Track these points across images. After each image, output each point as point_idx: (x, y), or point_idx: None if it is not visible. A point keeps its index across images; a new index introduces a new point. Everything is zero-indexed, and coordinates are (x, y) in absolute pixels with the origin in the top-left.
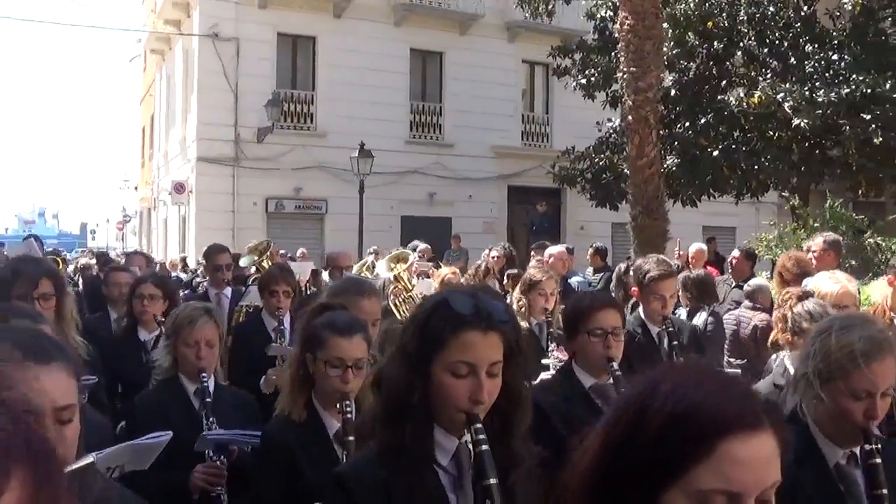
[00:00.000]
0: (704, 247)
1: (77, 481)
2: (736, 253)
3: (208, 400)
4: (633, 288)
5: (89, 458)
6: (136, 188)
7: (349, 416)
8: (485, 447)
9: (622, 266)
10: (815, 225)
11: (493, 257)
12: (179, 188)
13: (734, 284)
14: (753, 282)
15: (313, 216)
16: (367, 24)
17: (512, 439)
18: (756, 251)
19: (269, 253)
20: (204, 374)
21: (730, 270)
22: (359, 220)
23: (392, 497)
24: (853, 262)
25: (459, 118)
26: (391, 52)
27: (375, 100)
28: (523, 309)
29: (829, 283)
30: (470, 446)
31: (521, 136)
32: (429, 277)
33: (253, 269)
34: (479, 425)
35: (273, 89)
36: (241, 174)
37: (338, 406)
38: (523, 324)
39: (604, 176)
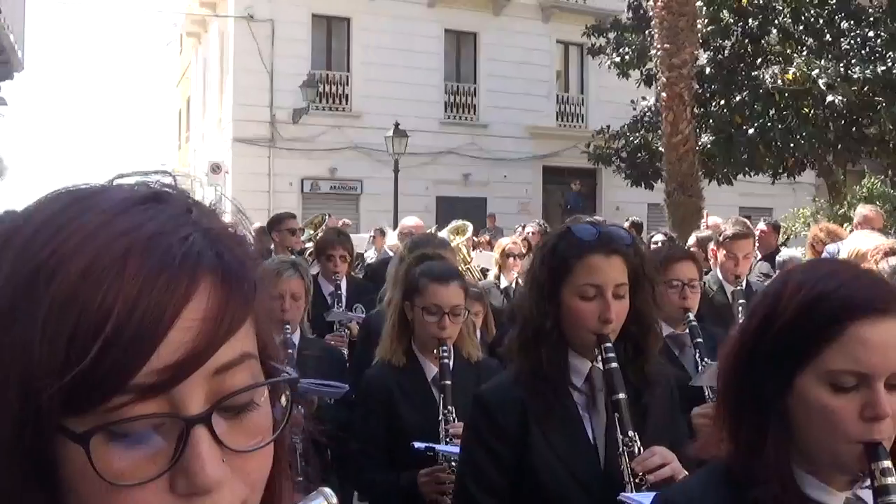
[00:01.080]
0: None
1: None
2: (762, 225)
3: (291, 352)
4: (712, 248)
5: None
6: (172, 170)
7: (446, 361)
8: (614, 364)
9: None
10: (853, 200)
11: (529, 233)
12: (216, 169)
13: (760, 257)
14: (785, 252)
15: (348, 196)
16: (401, 4)
17: (645, 362)
18: (791, 227)
19: (325, 226)
20: (287, 327)
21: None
22: (394, 200)
23: (529, 416)
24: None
25: (494, 99)
26: (425, 33)
27: (410, 80)
28: None
29: (870, 238)
30: (600, 365)
31: (555, 116)
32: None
33: (310, 243)
34: (608, 344)
35: (308, 70)
36: (277, 155)
37: (435, 351)
38: None
39: (639, 155)
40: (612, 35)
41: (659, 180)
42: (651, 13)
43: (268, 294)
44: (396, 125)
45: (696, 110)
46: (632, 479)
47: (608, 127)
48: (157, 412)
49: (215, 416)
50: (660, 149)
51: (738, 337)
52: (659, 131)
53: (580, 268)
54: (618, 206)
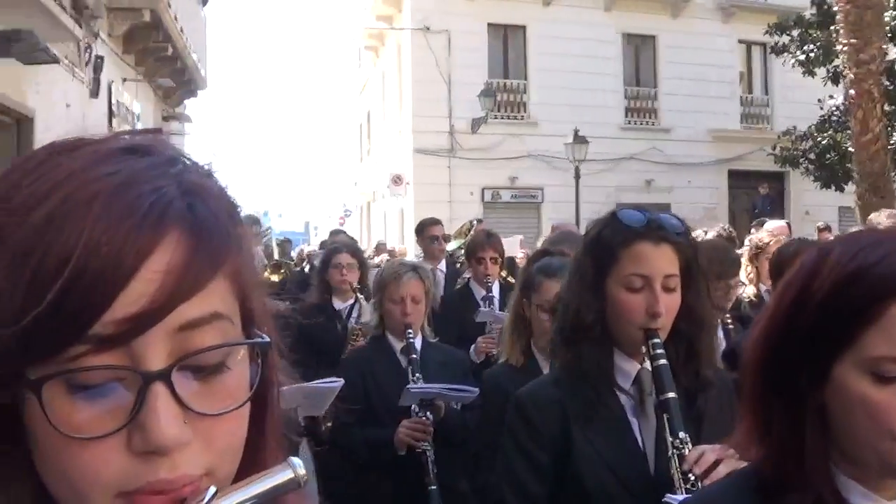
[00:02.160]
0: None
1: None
2: None
3: (414, 356)
4: None
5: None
6: (355, 183)
7: None
8: (662, 361)
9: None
10: None
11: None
12: (397, 180)
13: None
14: None
15: (529, 205)
16: (577, 10)
17: (699, 364)
18: None
19: (474, 231)
20: (410, 331)
21: None
22: (575, 208)
23: (570, 418)
24: None
25: (675, 102)
26: (602, 38)
27: (588, 86)
28: (751, 275)
29: None
30: (648, 365)
31: (739, 119)
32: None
33: (462, 252)
34: (656, 340)
35: (485, 79)
36: (457, 165)
37: None
38: (751, 289)
39: (828, 156)
40: (795, 32)
41: (850, 182)
42: (836, 7)
43: (254, 258)
44: (576, 132)
45: (886, 107)
46: (683, 484)
47: (795, 128)
48: (115, 364)
49: (181, 375)
50: (849, 149)
51: (767, 321)
52: (848, 131)
53: (626, 257)
54: (807, 209)
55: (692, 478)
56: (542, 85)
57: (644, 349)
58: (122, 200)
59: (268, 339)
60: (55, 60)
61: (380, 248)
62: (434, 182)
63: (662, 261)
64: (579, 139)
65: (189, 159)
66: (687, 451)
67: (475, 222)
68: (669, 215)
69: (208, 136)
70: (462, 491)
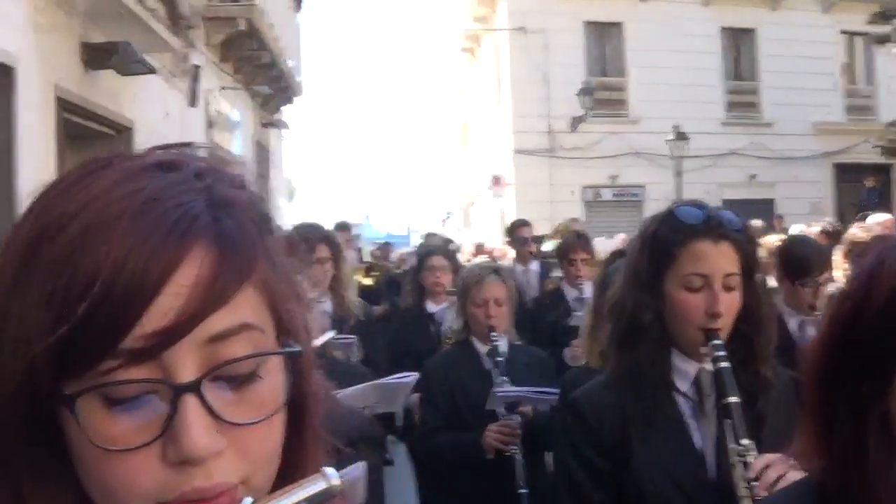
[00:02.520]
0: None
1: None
2: None
3: (499, 359)
4: None
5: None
6: (455, 185)
7: None
8: (724, 364)
9: None
10: None
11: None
12: (497, 181)
13: None
14: None
15: (631, 203)
16: (675, 5)
17: (758, 364)
18: None
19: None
20: (494, 333)
21: None
22: None
23: (627, 422)
24: None
25: (777, 95)
26: (701, 32)
27: (688, 82)
28: (848, 272)
29: None
30: (708, 366)
31: (843, 111)
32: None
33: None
34: (717, 341)
35: (584, 78)
36: (557, 164)
37: None
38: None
39: None
40: None
41: None
42: None
43: (288, 268)
44: (676, 128)
45: None
46: (747, 493)
47: None
48: (148, 377)
49: (214, 386)
50: None
51: (827, 326)
52: None
53: (685, 255)
54: None
55: (755, 486)
56: (642, 81)
57: (704, 350)
58: (147, 217)
59: (299, 349)
60: (152, 71)
61: (479, 250)
62: (534, 182)
63: (722, 259)
64: (680, 135)
65: (220, 171)
66: (750, 458)
67: (573, 222)
68: (729, 212)
69: (307, 142)
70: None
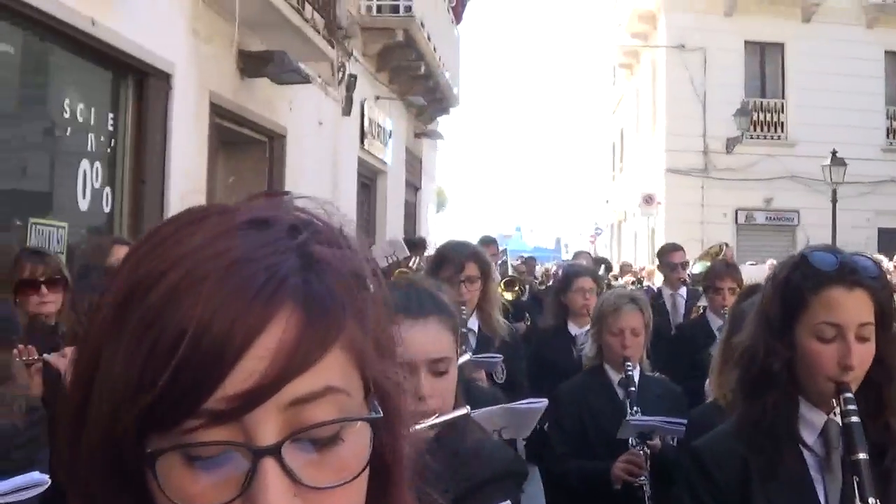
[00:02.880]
0: None
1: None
2: None
3: (632, 389)
4: None
5: (463, 410)
6: (606, 201)
7: None
8: (854, 419)
9: None
10: None
11: None
12: (648, 200)
13: None
14: None
15: (784, 228)
16: (838, 27)
17: (888, 415)
18: None
19: (722, 255)
20: (629, 363)
21: None
22: (832, 232)
23: (749, 473)
24: None
25: None
26: (863, 56)
27: (848, 106)
28: None
29: None
30: (838, 419)
31: None
32: None
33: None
34: (848, 395)
35: (741, 98)
36: (710, 185)
37: None
38: None
39: None
40: None
41: None
42: None
43: (384, 323)
44: (834, 153)
45: None
46: None
47: None
48: (229, 440)
49: (295, 447)
50: None
51: None
52: None
53: (817, 303)
54: None
55: None
56: (801, 104)
57: (834, 402)
58: (235, 278)
59: (379, 415)
60: (306, 80)
61: (624, 269)
62: (686, 202)
63: (856, 308)
64: (837, 161)
65: (314, 225)
66: None
67: (725, 246)
68: (865, 257)
69: (460, 152)
70: None
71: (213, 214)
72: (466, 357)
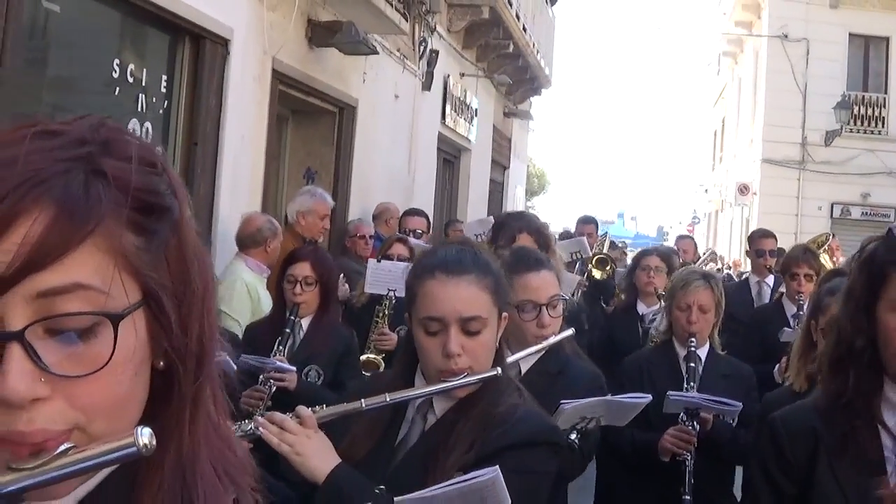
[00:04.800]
0: None
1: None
2: None
3: (692, 364)
4: None
5: (493, 372)
6: (705, 190)
7: None
8: None
9: None
10: None
11: None
12: (743, 189)
13: None
14: None
15: (880, 224)
16: None
17: None
18: None
19: (827, 245)
20: (693, 339)
21: None
22: None
23: (820, 450)
24: None
25: None
26: None
27: None
28: None
29: None
30: None
31: None
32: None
33: None
34: None
35: (843, 91)
36: (807, 177)
37: None
38: None
39: None
40: None
41: None
42: None
43: (188, 253)
44: None
45: None
46: None
47: None
48: None
49: (55, 341)
50: None
51: None
52: None
53: None
54: None
55: None
56: None
57: None
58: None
59: (120, 313)
60: (374, 52)
61: (711, 257)
62: (781, 194)
63: None
64: None
65: (108, 142)
66: None
67: (831, 237)
68: None
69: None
70: None
71: (25, 126)
72: (569, 333)
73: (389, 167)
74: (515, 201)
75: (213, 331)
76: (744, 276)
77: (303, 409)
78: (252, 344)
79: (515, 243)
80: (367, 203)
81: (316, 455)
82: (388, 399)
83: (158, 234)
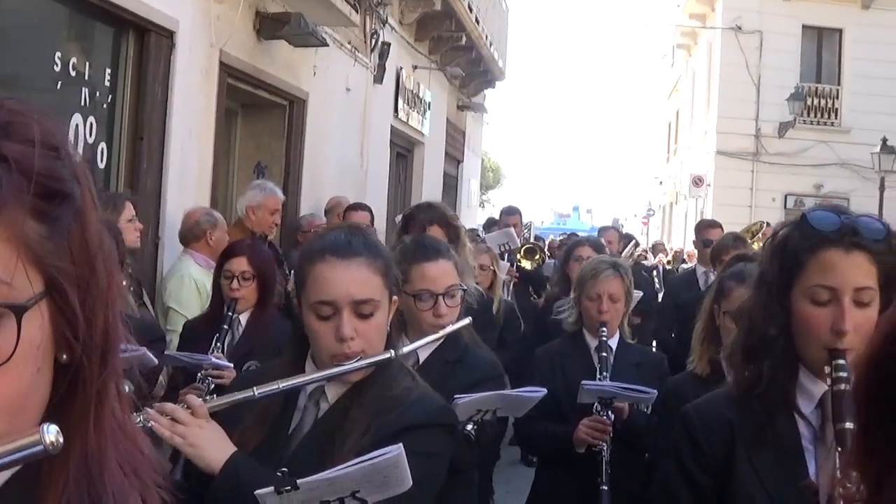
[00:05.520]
0: None
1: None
2: None
3: (604, 354)
4: None
5: (386, 355)
6: (660, 183)
7: None
8: (844, 386)
9: None
10: None
11: None
12: (698, 181)
13: None
14: None
15: None
16: None
17: None
18: None
19: (761, 234)
20: (604, 329)
21: None
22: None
23: (737, 440)
24: None
25: None
26: None
27: None
28: None
29: None
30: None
31: None
32: None
33: None
34: (841, 361)
35: (796, 83)
36: (760, 169)
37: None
38: None
39: None
40: None
41: None
42: None
43: (92, 238)
44: (884, 141)
45: None
46: None
47: None
48: None
49: None
50: None
51: (879, 332)
52: None
53: (813, 264)
54: None
55: None
56: (856, 91)
57: (828, 369)
58: None
59: (24, 304)
60: (323, 44)
61: (657, 249)
62: (735, 185)
63: (853, 271)
64: (886, 148)
65: (14, 123)
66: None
67: (765, 224)
68: (871, 219)
69: (518, 130)
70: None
71: None
72: (466, 322)
73: (341, 161)
74: (470, 195)
75: (117, 323)
76: (689, 267)
77: (193, 399)
78: (191, 341)
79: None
80: (319, 197)
81: (210, 445)
82: (280, 386)
83: (61, 222)
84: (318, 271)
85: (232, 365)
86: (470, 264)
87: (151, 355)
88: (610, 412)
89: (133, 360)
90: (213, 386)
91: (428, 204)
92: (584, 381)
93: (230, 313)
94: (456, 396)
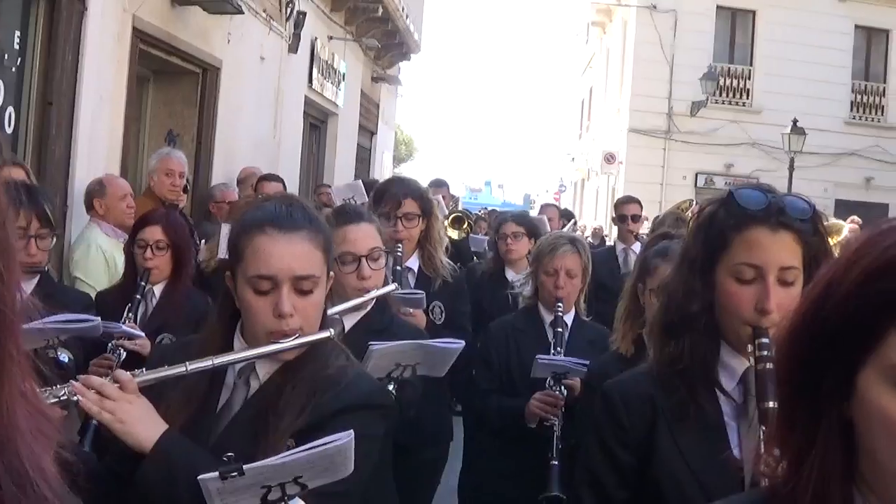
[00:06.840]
0: None
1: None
2: None
3: (559, 329)
4: None
5: (325, 333)
6: (572, 159)
7: None
8: (767, 365)
9: None
10: None
11: None
12: (610, 158)
13: None
14: None
15: None
16: None
17: None
18: None
19: (690, 211)
20: (560, 304)
21: None
22: None
23: (659, 417)
24: None
25: None
26: (834, 29)
27: (814, 77)
28: None
29: None
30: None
31: None
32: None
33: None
34: (764, 339)
35: (709, 63)
36: (672, 147)
37: None
38: None
39: None
40: None
41: None
42: None
43: None
44: (794, 122)
45: None
46: None
47: None
48: None
49: None
50: None
51: (798, 308)
52: None
53: (738, 242)
54: None
55: None
56: (768, 72)
57: (750, 347)
58: None
59: None
60: (238, 11)
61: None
62: (647, 163)
63: (779, 250)
64: (797, 130)
65: None
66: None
67: (692, 202)
68: (798, 198)
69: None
70: None
71: None
72: (392, 288)
73: (254, 131)
74: (383, 167)
75: (12, 291)
76: (609, 244)
77: (121, 373)
78: (103, 312)
79: (401, 209)
80: (232, 167)
81: (140, 422)
82: (214, 363)
83: None
84: (257, 243)
85: (144, 334)
86: (443, 237)
87: (102, 326)
88: (563, 388)
89: (79, 330)
90: (124, 356)
91: (399, 178)
92: (538, 356)
93: (143, 283)
94: (371, 343)
